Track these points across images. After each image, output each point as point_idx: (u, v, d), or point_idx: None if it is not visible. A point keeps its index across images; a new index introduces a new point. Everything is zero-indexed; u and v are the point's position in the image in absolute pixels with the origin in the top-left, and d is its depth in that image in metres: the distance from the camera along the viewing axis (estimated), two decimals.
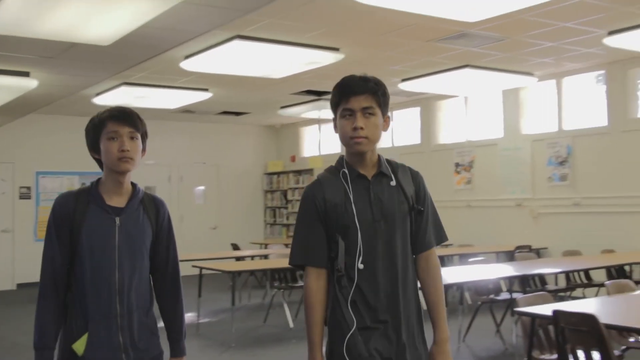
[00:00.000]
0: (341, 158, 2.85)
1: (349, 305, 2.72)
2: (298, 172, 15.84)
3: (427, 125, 13.48)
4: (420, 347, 2.81)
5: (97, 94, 11.24)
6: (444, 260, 10.17)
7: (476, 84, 11.03)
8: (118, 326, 2.82)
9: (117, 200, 2.91)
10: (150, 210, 2.98)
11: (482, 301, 8.09)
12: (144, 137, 2.96)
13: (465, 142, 12.73)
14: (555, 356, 4.77)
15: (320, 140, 15.97)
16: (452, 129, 13.42)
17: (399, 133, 14.47)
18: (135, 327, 2.88)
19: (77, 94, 11.18)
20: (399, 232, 2.77)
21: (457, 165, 12.67)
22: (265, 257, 10.62)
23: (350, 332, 2.71)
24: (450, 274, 7.58)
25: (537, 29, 8.15)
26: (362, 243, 2.72)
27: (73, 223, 2.83)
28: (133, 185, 2.98)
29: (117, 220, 2.85)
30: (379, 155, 2.85)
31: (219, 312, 10.31)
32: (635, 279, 8.15)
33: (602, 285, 6.97)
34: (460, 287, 8.27)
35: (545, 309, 4.75)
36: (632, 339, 5.22)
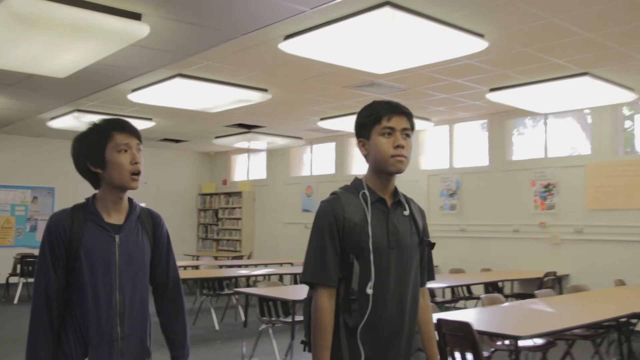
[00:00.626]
0: (358, 180, 2.54)
1: (357, 334, 2.36)
2: (228, 194, 15.71)
3: (341, 157, 13.51)
4: None
5: (52, 118, 11.00)
6: None
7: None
8: (119, 350, 2.42)
9: (116, 217, 2.48)
10: (148, 225, 2.56)
11: None
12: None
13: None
14: None
15: (249, 167, 16.02)
16: (362, 162, 13.52)
17: (317, 163, 14.48)
18: (136, 351, 2.49)
19: (33, 117, 11.02)
20: (411, 263, 2.47)
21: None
22: (197, 267, 10.59)
23: None
24: None
25: (434, 82, 8.29)
26: (374, 268, 2.37)
27: (70, 242, 2.38)
28: (129, 200, 2.57)
29: (117, 238, 2.43)
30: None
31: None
32: (506, 293, 8.49)
33: (479, 298, 7.23)
34: None
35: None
36: (499, 342, 5.27)
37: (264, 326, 6.93)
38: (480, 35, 6.10)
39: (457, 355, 4.61)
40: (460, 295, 9.29)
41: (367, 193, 2.45)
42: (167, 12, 5.38)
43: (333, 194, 2.52)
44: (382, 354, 2.38)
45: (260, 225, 15.25)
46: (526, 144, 11.11)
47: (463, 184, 11.16)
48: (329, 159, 14.11)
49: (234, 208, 15.54)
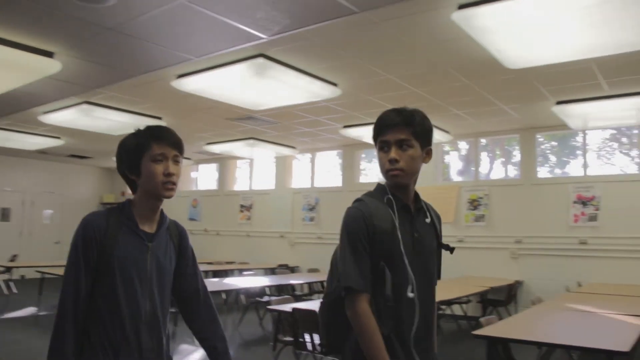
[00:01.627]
0: (381, 186, 2.13)
1: (411, 341, 2.00)
2: None
3: (223, 176, 13.38)
4: None
5: None
6: (228, 273, 10.13)
7: (258, 151, 11.11)
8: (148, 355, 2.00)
9: (149, 226, 2.07)
10: (175, 236, 2.16)
11: (251, 302, 8.19)
12: (182, 160, 2.12)
13: (248, 191, 12.76)
14: (291, 338, 4.95)
15: None
16: (240, 180, 13.42)
17: (202, 181, 14.33)
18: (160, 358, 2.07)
19: None
20: (433, 267, 2.13)
21: (241, 206, 12.65)
22: None
23: None
24: (232, 282, 7.77)
25: (299, 118, 8.44)
26: (410, 272, 2.00)
27: (104, 247, 1.95)
28: (160, 210, 2.14)
29: (150, 246, 2.03)
30: (416, 191, 2.17)
31: (56, 307, 9.56)
32: None
33: None
34: (237, 291, 8.42)
35: (288, 307, 4.92)
36: None
37: None
38: (334, 85, 6.36)
39: (307, 335, 4.74)
40: (315, 290, 9.45)
41: (392, 199, 2.06)
42: (77, 53, 5.23)
43: (358, 200, 2.12)
44: (426, 356, 2.04)
45: None
46: (369, 171, 11.50)
47: (321, 200, 11.30)
48: (213, 178, 13.94)
49: None
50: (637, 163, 8.50)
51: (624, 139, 8.82)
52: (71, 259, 1.95)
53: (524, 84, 6.33)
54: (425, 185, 9.96)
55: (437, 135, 8.91)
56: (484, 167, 10.12)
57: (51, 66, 5.36)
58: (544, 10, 3.90)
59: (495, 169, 10.22)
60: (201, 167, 14.30)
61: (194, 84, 6.16)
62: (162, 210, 2.13)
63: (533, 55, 4.96)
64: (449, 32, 4.64)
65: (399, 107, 2.10)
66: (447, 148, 10.33)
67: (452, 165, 10.66)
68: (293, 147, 11.02)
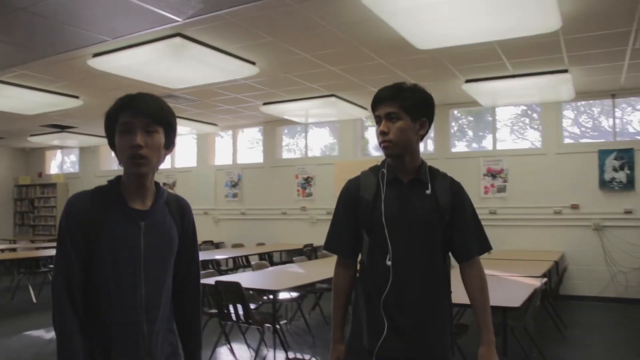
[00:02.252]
0: (384, 161, 2.19)
1: (380, 304, 2.06)
2: (44, 185, 14.63)
3: None
4: (438, 352, 2.12)
5: None
6: None
7: (179, 129, 11.05)
8: (146, 350, 1.81)
9: (141, 203, 1.84)
10: (176, 212, 1.94)
11: None
12: (169, 130, 1.87)
13: (170, 169, 12.64)
14: (215, 310, 5.08)
15: (62, 161, 15.17)
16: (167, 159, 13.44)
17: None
18: (164, 350, 1.90)
19: None
20: (426, 238, 2.09)
21: (164, 184, 12.54)
22: (14, 250, 9.93)
23: (384, 336, 2.05)
24: None
25: (219, 96, 8.49)
26: (390, 242, 2.05)
27: (90, 229, 1.76)
28: (156, 184, 1.93)
29: (142, 225, 1.81)
30: (423, 163, 2.18)
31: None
32: (275, 261, 8.95)
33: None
34: None
35: (212, 281, 5.00)
36: (265, 297, 5.62)
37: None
38: (253, 63, 6.47)
39: (231, 307, 4.87)
40: (240, 264, 9.57)
41: (385, 172, 2.14)
42: None
43: (359, 174, 2.25)
44: (403, 323, 2.06)
45: None
46: (292, 146, 11.71)
47: (243, 177, 11.40)
48: None
49: (49, 197, 14.56)
50: (540, 138, 9.10)
51: (535, 115, 9.40)
52: (59, 248, 1.78)
53: (435, 63, 6.67)
54: (345, 159, 10.32)
55: (356, 112, 9.22)
56: None
57: None
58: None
59: None
60: None
61: (110, 63, 6.10)
62: (158, 184, 1.94)
63: (440, 36, 5.28)
64: (361, 14, 4.85)
65: (394, 83, 2.13)
66: (367, 123, 10.65)
67: (371, 140, 11.01)
68: (214, 124, 11.04)
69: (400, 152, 2.10)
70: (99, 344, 1.77)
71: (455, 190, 2.18)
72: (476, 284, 2.16)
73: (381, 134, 2.09)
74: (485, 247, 2.21)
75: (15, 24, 4.85)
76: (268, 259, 9.26)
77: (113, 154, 1.86)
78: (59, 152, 15.24)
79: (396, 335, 2.05)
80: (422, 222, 2.08)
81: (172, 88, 7.49)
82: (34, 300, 8.51)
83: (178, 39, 5.38)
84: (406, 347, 2.06)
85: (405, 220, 2.07)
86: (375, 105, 2.13)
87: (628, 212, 8.20)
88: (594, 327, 6.85)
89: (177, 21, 4.46)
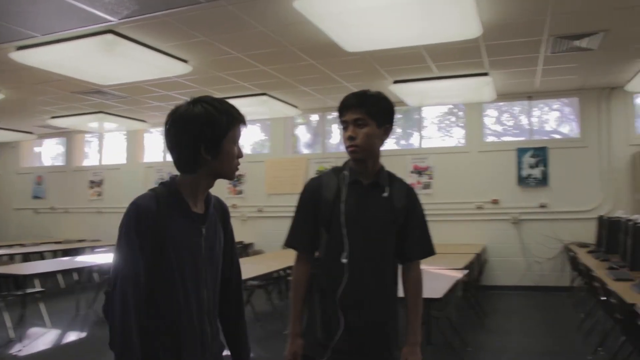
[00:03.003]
0: (347, 162, 2.30)
1: (336, 300, 2.16)
2: None
3: (71, 151, 12.86)
4: (391, 351, 2.25)
5: None
6: (79, 251, 9.83)
7: (108, 125, 10.83)
8: (210, 350, 1.85)
9: (199, 206, 1.85)
10: (221, 215, 1.95)
11: (104, 279, 7.82)
12: None
13: (98, 166, 12.42)
14: None
15: None
16: (89, 155, 13.06)
17: (46, 156, 13.73)
18: (220, 351, 1.93)
19: None
20: (380, 238, 2.23)
21: (91, 182, 12.31)
22: None
23: (337, 330, 2.15)
24: (84, 260, 7.61)
25: (150, 93, 8.44)
26: (348, 241, 2.17)
27: (157, 233, 1.73)
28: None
29: (204, 230, 1.83)
30: (382, 167, 2.30)
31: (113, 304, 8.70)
32: None
33: None
34: (90, 269, 8.25)
35: None
36: None
37: None
38: (185, 61, 6.52)
39: None
40: None
41: (347, 174, 2.26)
42: None
43: (322, 173, 2.35)
44: (354, 318, 2.17)
45: None
46: None
47: (174, 174, 11.30)
48: (60, 152, 13.38)
49: None
50: (464, 136, 9.56)
51: (460, 113, 9.84)
52: (125, 250, 1.71)
53: (364, 65, 6.93)
54: (276, 157, 10.47)
55: (287, 110, 9.38)
56: (334, 139, 10.78)
57: None
58: (371, 2, 4.41)
59: None
60: (46, 142, 13.61)
61: (35, 57, 5.95)
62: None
63: (368, 40, 5.53)
64: (293, 16, 5.01)
65: (359, 90, 2.26)
66: (299, 120, 10.84)
67: (302, 138, 11.22)
68: (144, 121, 10.88)
69: (365, 156, 2.22)
70: (169, 346, 1.75)
71: (410, 196, 2.31)
72: (413, 288, 2.31)
73: (349, 138, 2.20)
74: (428, 252, 2.34)
75: None
76: None
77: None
78: None
79: (350, 331, 2.15)
80: (377, 223, 2.22)
81: (102, 84, 7.43)
82: None
83: (110, 36, 5.35)
84: (356, 340, 2.16)
85: (362, 221, 2.20)
86: (342, 111, 2.24)
87: (543, 206, 8.77)
88: (512, 313, 7.32)
89: (111, 21, 4.49)
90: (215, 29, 5.50)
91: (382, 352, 2.22)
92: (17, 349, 5.72)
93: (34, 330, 6.42)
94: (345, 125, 2.23)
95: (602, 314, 5.33)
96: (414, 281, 2.31)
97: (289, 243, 2.33)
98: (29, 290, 6.63)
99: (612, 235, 6.38)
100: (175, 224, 1.77)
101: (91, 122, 10.49)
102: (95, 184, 12.30)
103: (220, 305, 1.95)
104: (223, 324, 1.99)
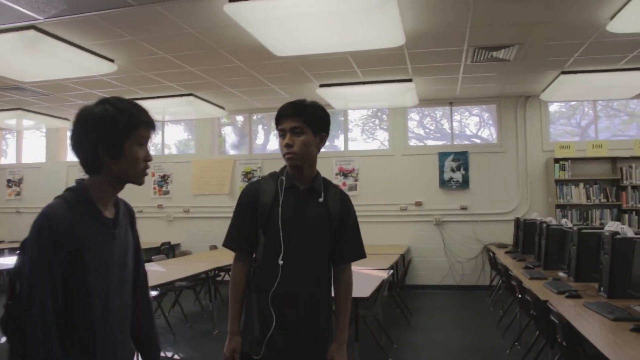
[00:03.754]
0: (284, 167, 2.37)
1: (269, 299, 2.24)
2: None
3: None
4: (326, 344, 2.35)
5: None
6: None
7: (27, 123, 10.56)
8: (122, 358, 1.83)
9: (109, 211, 1.81)
10: (127, 218, 1.93)
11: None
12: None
13: (16, 164, 11.89)
14: None
15: None
16: (7, 154, 12.45)
17: None
18: (131, 355, 1.92)
19: None
20: (315, 241, 2.31)
21: (9, 181, 11.77)
22: None
23: (272, 328, 2.23)
24: (2, 263, 7.34)
25: (73, 91, 8.23)
26: (283, 242, 2.25)
27: (70, 243, 1.65)
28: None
29: (115, 234, 1.80)
30: (317, 174, 2.40)
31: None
32: None
33: None
34: (8, 271, 7.99)
35: None
36: None
37: None
38: (111, 60, 6.42)
39: None
40: None
41: (284, 179, 2.34)
42: None
43: (259, 178, 2.43)
44: (289, 317, 2.25)
45: None
46: (154, 145, 11.55)
47: None
48: None
49: None
50: (387, 140, 9.84)
51: (384, 117, 10.11)
52: (38, 261, 1.62)
53: (291, 69, 7.03)
54: (203, 158, 10.43)
55: (212, 111, 9.37)
56: (260, 140, 10.83)
57: None
58: (299, 9, 4.52)
59: (271, 141, 11.00)
60: None
61: None
62: None
63: (296, 46, 5.65)
64: (222, 20, 5.04)
65: (296, 100, 2.34)
66: (224, 120, 10.82)
67: (228, 139, 11.20)
68: (66, 119, 10.51)
69: (302, 163, 2.30)
70: (82, 357, 1.69)
71: (344, 202, 2.42)
72: (343, 289, 2.42)
73: (286, 146, 2.28)
74: (359, 255, 2.44)
75: None
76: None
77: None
78: None
79: (282, 328, 2.24)
80: (313, 226, 2.31)
81: (21, 81, 7.19)
82: None
83: (32, 32, 5.18)
84: (291, 338, 2.25)
85: (298, 224, 2.28)
86: (280, 119, 2.31)
87: (464, 208, 9.16)
88: (435, 311, 7.62)
89: (38, 19, 4.39)
90: (144, 29, 5.45)
91: (314, 348, 2.31)
92: None
93: None
94: (282, 133, 2.30)
95: (519, 311, 5.65)
96: (345, 283, 2.42)
97: (228, 244, 2.39)
98: None
99: (528, 236, 6.74)
100: (88, 233, 1.70)
101: (8, 119, 10.10)
102: (14, 182, 11.84)
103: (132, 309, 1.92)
104: (133, 327, 1.93)
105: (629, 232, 3.83)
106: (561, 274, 4.93)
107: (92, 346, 1.70)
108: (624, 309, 3.25)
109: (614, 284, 3.74)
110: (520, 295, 4.83)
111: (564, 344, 3.23)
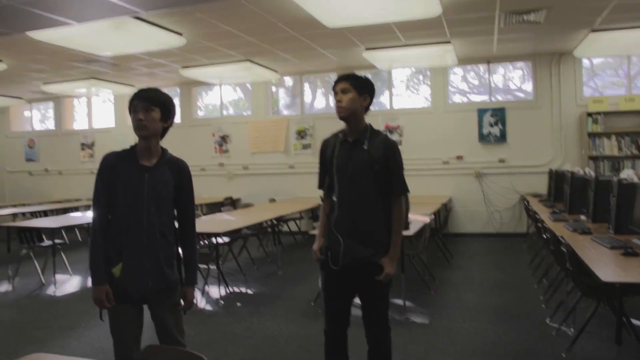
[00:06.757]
0: (344, 128, 2.96)
1: (332, 225, 2.93)
2: None
3: (60, 115, 13.36)
4: (377, 257, 2.87)
5: None
6: (79, 209, 10.41)
7: (97, 90, 11.42)
8: (146, 257, 2.58)
9: (148, 160, 2.62)
10: (174, 169, 2.68)
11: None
12: (164, 109, 2.62)
13: (88, 129, 12.94)
14: None
15: None
16: (79, 119, 13.56)
17: (37, 121, 14.11)
18: (160, 258, 2.62)
19: None
20: (361, 180, 2.84)
21: (82, 145, 12.86)
22: None
23: (341, 244, 2.87)
24: (84, 216, 8.12)
25: (140, 61, 9.03)
26: (337, 183, 2.90)
27: (111, 175, 2.58)
28: (162, 149, 2.69)
29: (146, 176, 2.58)
30: (366, 127, 2.92)
31: None
32: (198, 213, 9.71)
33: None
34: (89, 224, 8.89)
35: None
36: (213, 239, 6.39)
37: (24, 251, 7.14)
38: (180, 34, 7.19)
39: None
40: None
41: (341, 135, 2.96)
42: None
43: (329, 136, 3.06)
44: (347, 239, 2.86)
45: None
46: (208, 107, 12.39)
47: None
48: (50, 116, 13.85)
49: None
50: (430, 97, 10.42)
51: (428, 72, 10.60)
52: (95, 186, 2.62)
53: (339, 36, 7.67)
54: (259, 118, 11.21)
55: (268, 74, 10.09)
56: (307, 98, 11.56)
57: None
58: None
59: (318, 99, 11.70)
60: (35, 106, 14.00)
61: (49, 34, 6.44)
62: (164, 149, 2.70)
63: (344, 18, 6.32)
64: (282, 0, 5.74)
65: (350, 72, 2.99)
66: (274, 82, 11.55)
67: (281, 101, 11.94)
68: (132, 86, 11.36)
69: (348, 115, 2.87)
70: (115, 249, 2.57)
71: (386, 147, 2.88)
72: (394, 217, 2.91)
73: (337, 101, 2.87)
74: (403, 190, 2.92)
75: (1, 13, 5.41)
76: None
77: None
78: None
79: (346, 248, 2.89)
80: (357, 170, 2.86)
81: (98, 54, 8.04)
82: None
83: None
84: (352, 256, 2.88)
85: (346, 169, 2.88)
86: (335, 83, 2.92)
87: (502, 161, 9.75)
88: (474, 255, 8.33)
89: (138, 12, 5.17)
90: (212, 7, 6.14)
91: (371, 265, 2.87)
92: (51, 291, 6.58)
93: (59, 277, 7.22)
94: (336, 93, 2.91)
95: (547, 252, 6.32)
96: (396, 212, 2.92)
97: (319, 186, 3.11)
98: (57, 241, 7.25)
99: (558, 186, 7.34)
100: (126, 171, 2.57)
101: (81, 88, 11.01)
102: (87, 146, 12.89)
103: (180, 230, 2.74)
104: (180, 242, 2.75)
105: (635, 179, 4.46)
106: (582, 217, 5.56)
107: (122, 244, 2.57)
108: (625, 242, 3.90)
109: (619, 222, 4.40)
110: (545, 236, 5.49)
111: (571, 268, 3.93)
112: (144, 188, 2.58)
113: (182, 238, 2.76)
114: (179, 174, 2.71)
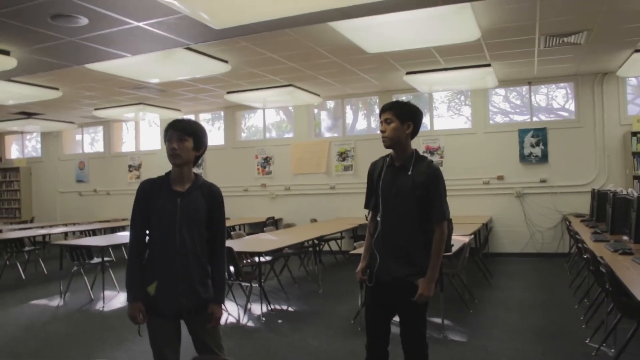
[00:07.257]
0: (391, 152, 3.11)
1: (372, 243, 3.09)
2: (5, 170, 15.00)
3: (109, 138, 13.84)
4: (403, 276, 2.97)
5: None
6: (126, 228, 10.66)
7: (146, 115, 11.87)
8: (179, 277, 2.73)
9: (181, 186, 2.79)
10: (206, 194, 2.83)
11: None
12: (196, 139, 2.76)
13: (135, 151, 13.39)
14: None
15: (23, 146, 15.58)
16: (127, 142, 14.00)
17: (87, 144, 14.57)
18: (193, 278, 2.77)
19: None
20: (404, 204, 2.96)
21: (130, 166, 13.30)
22: None
23: (377, 261, 3.03)
24: None
25: (186, 87, 9.41)
26: (381, 205, 3.03)
27: (147, 201, 2.76)
28: (196, 175, 2.87)
29: (178, 200, 2.74)
30: (412, 153, 3.05)
31: None
32: (239, 233, 9.95)
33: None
34: None
35: None
36: (245, 260, 6.43)
37: (75, 268, 7.52)
38: (226, 62, 7.51)
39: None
40: None
41: (387, 159, 3.10)
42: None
43: (377, 159, 3.21)
44: (385, 258, 3.01)
45: (37, 195, 14.88)
46: (251, 129, 12.70)
47: (206, 157, 11.99)
48: (99, 140, 14.35)
49: (12, 181, 14.98)
50: (470, 118, 10.50)
51: (469, 92, 10.67)
52: (132, 210, 2.82)
53: (380, 61, 7.89)
54: (301, 140, 11.45)
55: (310, 98, 10.35)
56: (349, 119, 11.77)
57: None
58: (391, 17, 5.38)
59: (359, 121, 11.90)
60: (85, 130, 14.50)
61: (100, 64, 6.83)
62: (197, 175, 2.89)
63: (385, 44, 6.52)
64: (323, 27, 5.96)
65: (395, 100, 3.11)
66: (315, 104, 11.79)
67: (323, 123, 12.17)
68: (178, 110, 11.87)
69: (392, 144, 3.03)
70: (150, 267, 2.77)
71: (429, 173, 2.97)
72: (435, 241, 2.95)
73: (381, 132, 3.04)
74: (441, 216, 2.96)
75: (64, 48, 5.81)
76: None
77: None
78: (19, 137, 15.64)
79: (383, 266, 3.03)
80: (400, 194, 2.99)
81: (147, 82, 8.41)
82: (23, 276, 9.07)
83: None
84: (389, 274, 3.00)
85: (391, 192, 3.02)
86: (380, 113, 3.08)
87: (543, 181, 9.74)
88: (514, 275, 8.32)
89: (189, 44, 5.50)
90: (256, 36, 6.39)
91: (408, 284, 2.96)
92: (100, 306, 6.89)
93: (107, 293, 7.53)
94: (381, 123, 3.06)
95: (588, 272, 6.30)
96: (436, 235, 2.97)
97: (366, 205, 3.26)
98: (106, 259, 7.59)
99: (601, 206, 7.30)
100: (160, 196, 2.76)
101: (130, 113, 11.44)
102: (134, 167, 13.35)
103: (211, 253, 2.86)
104: (210, 263, 2.87)
105: None
106: (625, 237, 5.56)
107: (157, 264, 2.75)
108: None
109: None
110: (585, 256, 5.50)
111: (610, 289, 3.98)
112: (176, 212, 2.75)
113: (212, 258, 2.89)
114: (210, 198, 2.86)
